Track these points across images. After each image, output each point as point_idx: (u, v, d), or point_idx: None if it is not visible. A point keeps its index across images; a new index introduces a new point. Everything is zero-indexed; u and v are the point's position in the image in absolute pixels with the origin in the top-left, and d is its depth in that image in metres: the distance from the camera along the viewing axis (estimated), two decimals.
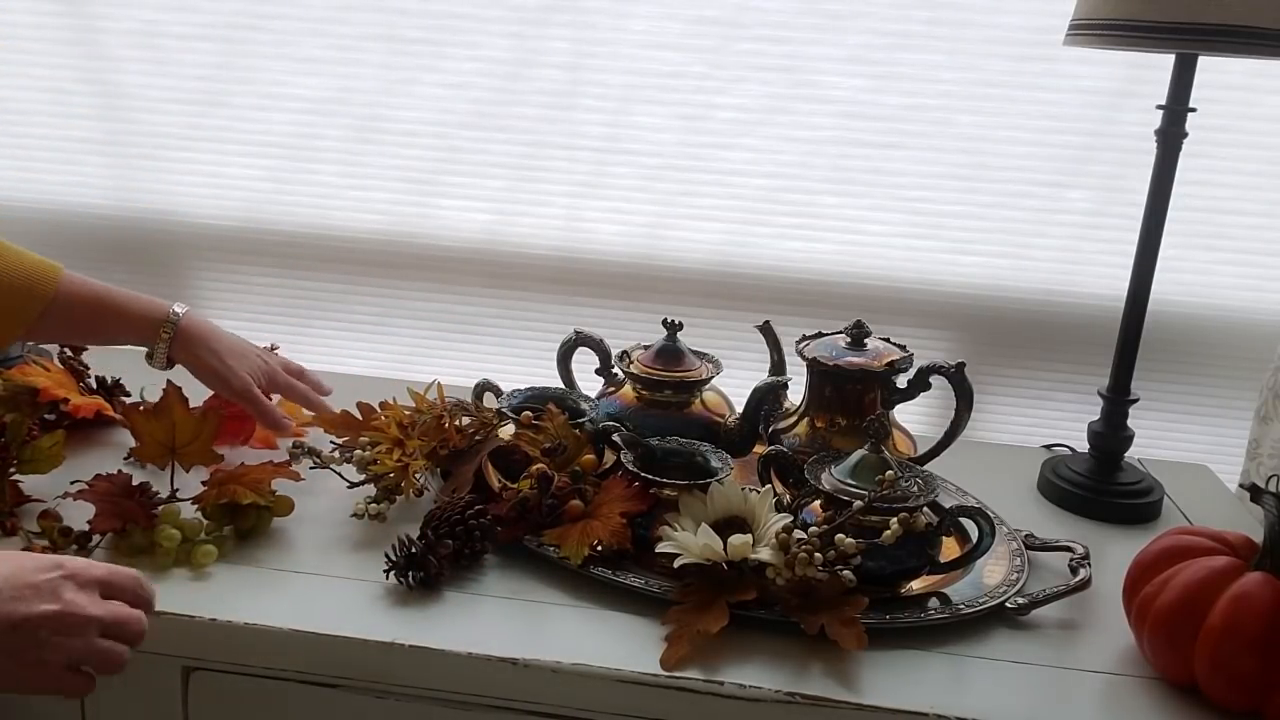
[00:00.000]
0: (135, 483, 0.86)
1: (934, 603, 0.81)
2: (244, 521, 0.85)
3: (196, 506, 0.85)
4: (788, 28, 1.19)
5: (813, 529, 0.77)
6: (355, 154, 1.29)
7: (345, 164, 1.30)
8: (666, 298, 1.27)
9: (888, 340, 0.96)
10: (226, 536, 0.84)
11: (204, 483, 0.87)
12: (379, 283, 1.33)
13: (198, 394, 0.92)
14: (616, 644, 0.75)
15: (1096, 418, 1.05)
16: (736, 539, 0.77)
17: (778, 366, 1.02)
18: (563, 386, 1.03)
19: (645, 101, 1.23)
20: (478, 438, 0.95)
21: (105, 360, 1.06)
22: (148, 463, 0.91)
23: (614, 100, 1.24)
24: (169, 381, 0.89)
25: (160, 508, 0.84)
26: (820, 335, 0.97)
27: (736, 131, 1.23)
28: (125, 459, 0.93)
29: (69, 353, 1.06)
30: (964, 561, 0.84)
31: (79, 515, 0.83)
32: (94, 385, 1.05)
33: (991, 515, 0.86)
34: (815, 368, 0.93)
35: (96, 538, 0.82)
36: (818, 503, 0.82)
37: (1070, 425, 1.24)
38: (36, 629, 0.62)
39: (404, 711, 0.76)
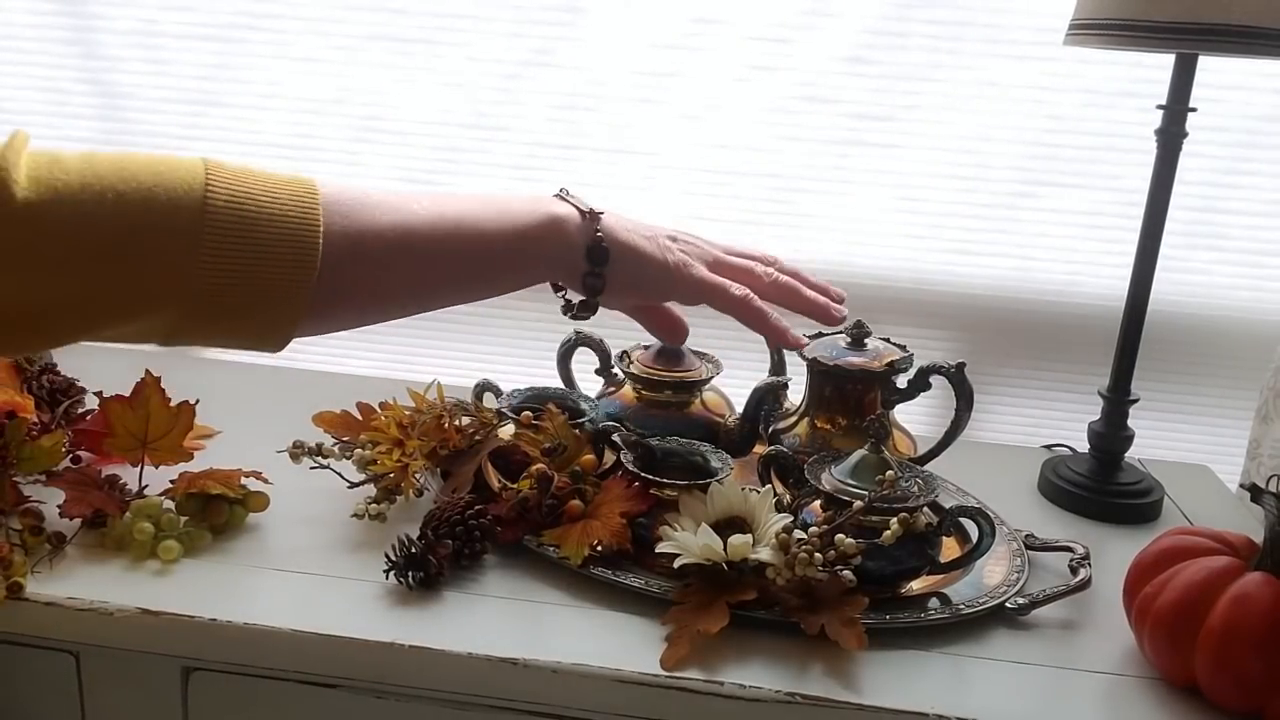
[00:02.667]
0: (105, 474, 0.87)
1: (934, 603, 0.81)
2: (216, 517, 0.85)
3: (165, 497, 0.85)
4: (788, 28, 1.19)
5: (813, 529, 0.77)
6: (355, 154, 1.29)
7: (345, 164, 1.30)
8: None
9: (888, 340, 0.96)
10: (201, 533, 0.84)
11: (172, 481, 0.87)
12: None
13: (179, 391, 0.91)
14: (616, 644, 0.75)
15: (1096, 418, 1.05)
16: (736, 539, 0.77)
17: (778, 366, 1.02)
18: (563, 386, 1.03)
19: (645, 101, 1.23)
20: (478, 438, 0.95)
21: (88, 363, 1.05)
22: (118, 456, 0.89)
23: (614, 100, 1.24)
24: (147, 371, 0.89)
25: (137, 501, 0.84)
26: (820, 335, 0.97)
27: (736, 131, 1.23)
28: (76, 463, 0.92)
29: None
30: (964, 562, 0.84)
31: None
32: (42, 386, 0.98)
33: (991, 515, 0.86)
34: (815, 368, 0.93)
35: (69, 534, 0.81)
36: (818, 503, 0.82)
37: (1070, 425, 1.24)
38: (664, 236, 0.77)
39: (404, 711, 0.76)
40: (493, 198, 0.72)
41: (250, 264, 0.58)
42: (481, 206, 0.70)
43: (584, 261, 0.74)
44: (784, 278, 0.82)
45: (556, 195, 0.76)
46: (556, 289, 0.80)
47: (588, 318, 0.79)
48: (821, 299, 0.82)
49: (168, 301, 0.57)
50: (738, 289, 0.78)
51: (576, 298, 0.78)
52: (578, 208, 0.74)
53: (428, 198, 0.68)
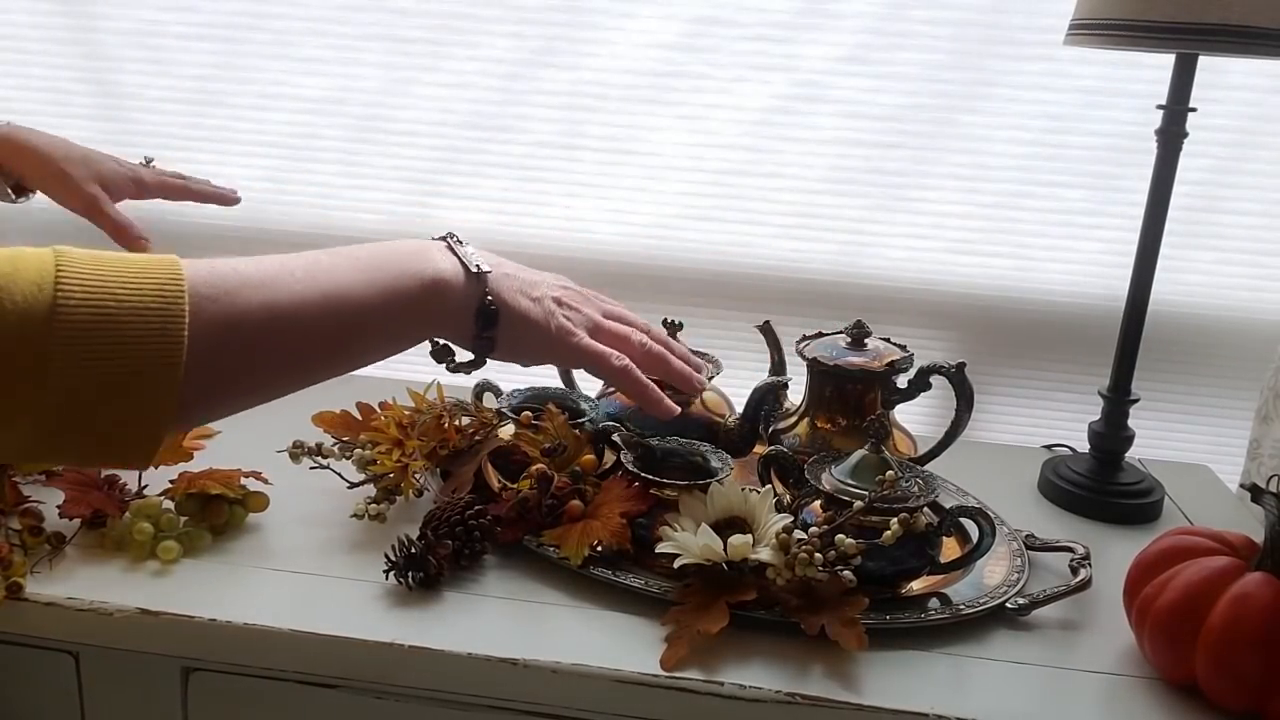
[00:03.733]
0: (104, 474, 0.87)
1: (934, 603, 0.81)
2: (216, 517, 0.85)
3: (165, 497, 0.85)
4: (788, 28, 1.19)
5: (813, 529, 0.77)
6: (355, 154, 1.29)
7: (345, 164, 1.30)
8: (666, 298, 1.27)
9: (888, 340, 0.96)
10: (200, 533, 0.84)
11: (172, 481, 0.87)
12: None
13: None
14: (616, 644, 0.75)
15: (1097, 418, 1.05)
16: (736, 539, 0.77)
17: (778, 366, 1.01)
18: (563, 386, 1.03)
19: (645, 101, 1.23)
20: (478, 438, 0.95)
21: None
22: None
23: (614, 100, 1.24)
24: None
25: (135, 501, 0.84)
26: (820, 335, 0.97)
27: (736, 131, 1.23)
28: None
29: None
30: (964, 562, 0.84)
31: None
32: None
33: (992, 515, 0.86)
34: (815, 368, 0.93)
35: (69, 534, 0.81)
36: (818, 503, 0.82)
37: (1070, 425, 1.24)
38: (548, 290, 0.75)
39: (404, 711, 0.76)
40: (374, 256, 0.66)
41: (108, 368, 0.51)
42: (360, 272, 0.64)
43: (472, 324, 0.70)
44: (655, 348, 0.82)
45: (445, 243, 0.71)
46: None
47: (470, 373, 0.77)
48: (686, 370, 0.83)
49: (18, 417, 0.51)
50: (618, 359, 0.77)
51: (461, 353, 0.75)
52: (464, 264, 0.69)
53: (302, 266, 0.61)
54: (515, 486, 0.86)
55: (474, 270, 0.69)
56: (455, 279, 0.68)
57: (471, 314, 0.70)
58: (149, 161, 0.98)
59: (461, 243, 0.71)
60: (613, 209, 1.27)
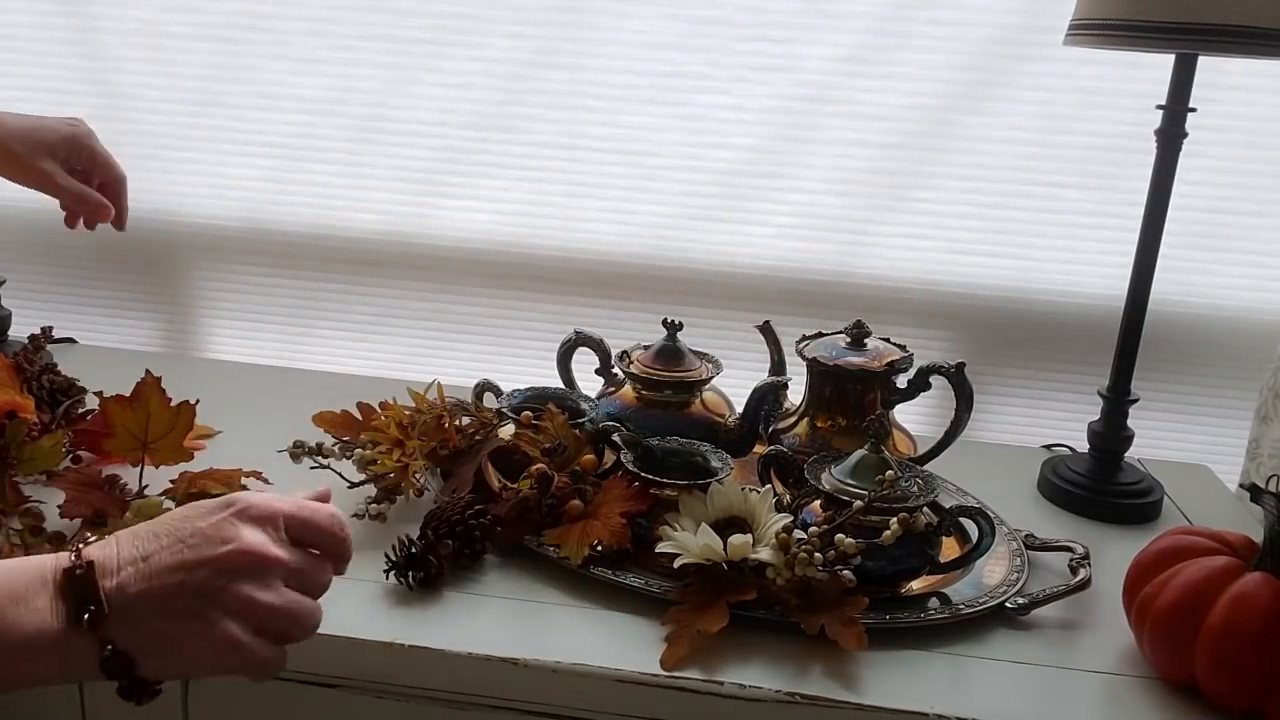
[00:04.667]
0: (105, 474, 0.87)
1: (934, 603, 0.81)
2: None
3: (165, 497, 0.85)
4: (788, 28, 1.19)
5: (813, 529, 0.78)
6: (355, 154, 1.29)
7: (345, 164, 1.30)
8: (666, 298, 1.27)
9: (888, 340, 0.96)
10: None
11: (172, 481, 0.87)
12: (379, 283, 1.33)
13: (179, 391, 0.91)
14: (616, 644, 0.75)
15: (1096, 418, 1.05)
16: (736, 539, 0.77)
17: (778, 366, 1.02)
18: (563, 386, 1.03)
19: (645, 101, 1.23)
20: (478, 438, 0.95)
21: (89, 363, 1.06)
22: (118, 456, 0.89)
23: (614, 100, 1.24)
24: (147, 371, 0.88)
25: (137, 501, 0.84)
26: (820, 335, 0.97)
27: (736, 131, 1.23)
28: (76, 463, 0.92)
29: (29, 347, 1.03)
30: (964, 561, 0.84)
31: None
32: (42, 387, 0.98)
33: (991, 515, 0.86)
34: (815, 368, 0.93)
35: (69, 534, 0.81)
36: (818, 503, 0.82)
37: (1070, 425, 1.24)
38: (203, 584, 0.52)
39: (404, 711, 0.76)
40: None
41: None
42: None
43: (102, 675, 0.53)
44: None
45: (64, 576, 0.53)
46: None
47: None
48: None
49: None
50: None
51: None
52: (78, 610, 0.52)
53: None
54: (515, 486, 0.86)
55: (82, 620, 0.51)
56: (54, 634, 0.51)
57: (96, 669, 0.53)
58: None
59: (80, 568, 0.52)
60: (613, 209, 1.27)
